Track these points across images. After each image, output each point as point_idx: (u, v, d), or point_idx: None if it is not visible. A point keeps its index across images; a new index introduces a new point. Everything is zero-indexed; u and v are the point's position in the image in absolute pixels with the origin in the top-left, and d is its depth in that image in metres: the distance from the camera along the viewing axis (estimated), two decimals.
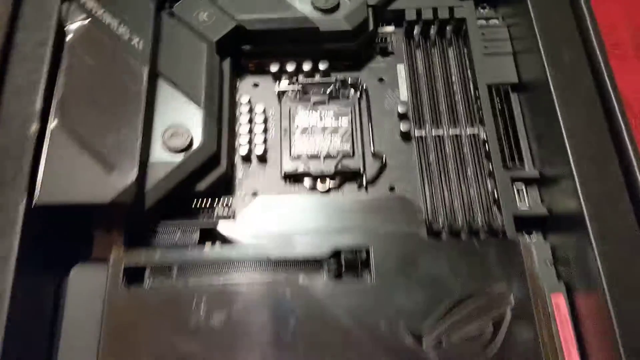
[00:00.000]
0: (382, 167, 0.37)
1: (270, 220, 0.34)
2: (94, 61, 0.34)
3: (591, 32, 0.35)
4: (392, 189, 0.36)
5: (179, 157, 0.33)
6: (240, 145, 0.37)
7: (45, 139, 0.32)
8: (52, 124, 0.32)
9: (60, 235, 0.33)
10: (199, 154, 0.34)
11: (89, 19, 0.35)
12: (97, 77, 0.34)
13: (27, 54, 0.33)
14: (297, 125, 0.38)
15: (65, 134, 0.32)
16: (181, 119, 0.34)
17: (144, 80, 0.34)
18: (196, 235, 0.34)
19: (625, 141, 0.32)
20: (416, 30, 0.41)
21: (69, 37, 0.34)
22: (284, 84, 0.39)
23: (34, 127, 0.31)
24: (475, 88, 0.38)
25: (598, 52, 0.35)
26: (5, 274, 0.28)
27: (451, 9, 0.40)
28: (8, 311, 0.28)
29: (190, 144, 0.34)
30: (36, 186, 0.30)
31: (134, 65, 0.34)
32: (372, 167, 0.37)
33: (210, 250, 0.33)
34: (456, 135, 0.37)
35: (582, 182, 0.31)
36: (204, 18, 0.37)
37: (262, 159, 0.37)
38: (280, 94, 0.39)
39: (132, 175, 0.31)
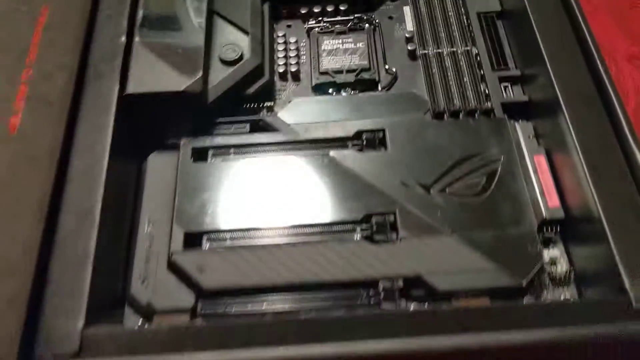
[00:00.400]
0: (394, 80, 0.46)
1: (305, 114, 0.43)
2: None
3: None
4: None
5: (232, 67, 0.43)
6: (278, 66, 0.46)
7: (131, 50, 0.41)
8: (136, 38, 0.41)
9: (143, 126, 0.42)
10: (248, 64, 0.43)
11: None
12: (167, 8, 0.44)
13: None
14: (323, 49, 0.47)
15: (146, 45, 0.41)
16: (233, 41, 0.44)
17: (204, 10, 0.44)
18: (247, 127, 0.42)
19: (589, 42, 0.41)
20: None
21: None
22: (311, 23, 0.49)
23: (123, 39, 0.41)
24: (468, 17, 0.47)
25: None
26: (104, 139, 0.37)
27: None
28: (105, 178, 0.36)
29: (241, 57, 0.43)
30: (127, 81, 0.40)
31: None
32: (385, 79, 0.46)
33: (258, 135, 0.41)
34: (453, 52, 0.46)
35: (555, 73, 0.39)
36: None
37: (296, 76, 0.46)
38: (309, 30, 0.48)
39: (199, 73, 0.40)
